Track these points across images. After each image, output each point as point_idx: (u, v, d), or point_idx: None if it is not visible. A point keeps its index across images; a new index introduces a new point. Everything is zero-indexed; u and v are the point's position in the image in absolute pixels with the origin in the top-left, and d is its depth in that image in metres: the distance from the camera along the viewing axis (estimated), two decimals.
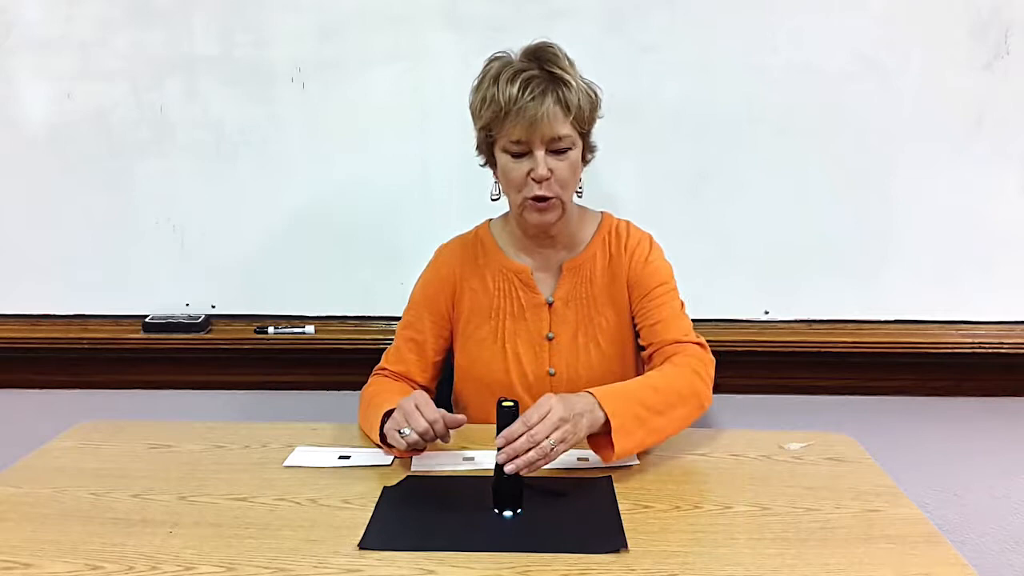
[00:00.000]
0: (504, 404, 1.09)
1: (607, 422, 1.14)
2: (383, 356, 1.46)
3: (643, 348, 1.38)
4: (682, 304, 1.39)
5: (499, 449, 1.07)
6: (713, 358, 1.32)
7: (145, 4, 1.72)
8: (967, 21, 1.66)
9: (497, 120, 1.26)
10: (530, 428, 1.07)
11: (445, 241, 1.48)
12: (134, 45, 1.73)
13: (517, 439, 1.06)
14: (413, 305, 1.45)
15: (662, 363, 1.31)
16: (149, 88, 1.76)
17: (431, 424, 1.16)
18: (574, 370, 1.38)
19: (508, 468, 1.05)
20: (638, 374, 1.40)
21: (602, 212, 1.45)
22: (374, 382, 1.43)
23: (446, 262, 1.44)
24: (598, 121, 1.33)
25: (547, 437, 1.07)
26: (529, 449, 1.06)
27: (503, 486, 1.07)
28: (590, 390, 1.17)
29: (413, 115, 1.74)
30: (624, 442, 1.14)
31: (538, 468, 1.07)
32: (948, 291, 1.77)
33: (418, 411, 1.16)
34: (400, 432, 1.16)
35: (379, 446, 1.25)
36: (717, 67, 1.70)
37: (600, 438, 1.17)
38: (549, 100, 1.23)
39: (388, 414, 1.23)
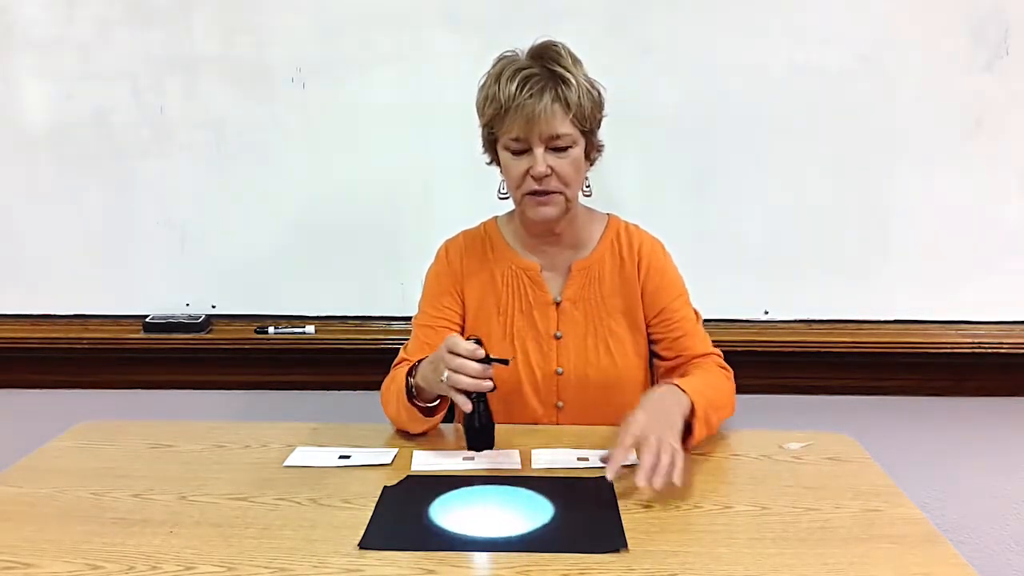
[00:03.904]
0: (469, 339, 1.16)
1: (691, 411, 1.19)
2: (400, 351, 1.41)
3: (660, 357, 1.40)
4: (696, 313, 1.41)
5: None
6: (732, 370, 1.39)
7: (145, 4, 1.72)
8: (967, 21, 1.66)
9: (498, 117, 1.27)
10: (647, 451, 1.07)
11: (449, 237, 1.47)
12: (134, 45, 1.73)
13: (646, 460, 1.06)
14: (428, 295, 1.43)
15: (693, 371, 1.35)
16: (149, 88, 1.76)
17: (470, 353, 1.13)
18: (582, 370, 1.37)
19: (650, 481, 1.04)
20: (649, 380, 1.42)
21: (608, 214, 1.45)
22: (392, 374, 1.37)
23: (456, 254, 1.43)
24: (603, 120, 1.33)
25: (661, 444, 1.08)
26: (661, 456, 1.06)
27: (475, 430, 1.21)
28: (670, 381, 1.23)
29: (413, 115, 1.74)
30: (701, 430, 1.20)
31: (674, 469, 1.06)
32: (948, 291, 1.77)
33: (450, 352, 1.14)
34: (442, 379, 1.15)
35: (416, 406, 1.24)
36: (717, 67, 1.70)
37: None
38: (547, 98, 1.24)
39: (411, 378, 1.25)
